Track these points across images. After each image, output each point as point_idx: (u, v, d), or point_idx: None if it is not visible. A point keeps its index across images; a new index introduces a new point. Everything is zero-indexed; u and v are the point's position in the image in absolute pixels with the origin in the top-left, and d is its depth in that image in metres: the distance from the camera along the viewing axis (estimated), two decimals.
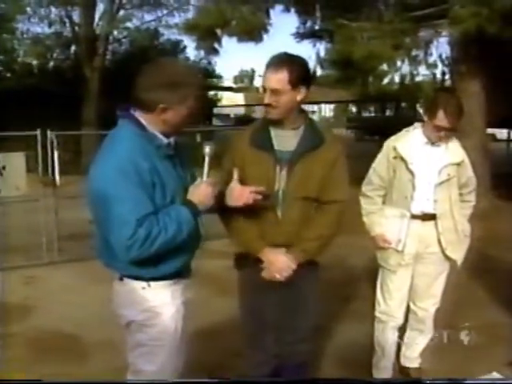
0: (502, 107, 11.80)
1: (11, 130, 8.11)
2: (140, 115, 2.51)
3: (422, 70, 27.27)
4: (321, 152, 2.96)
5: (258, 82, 64.21)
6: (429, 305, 3.95)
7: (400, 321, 3.94)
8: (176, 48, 22.71)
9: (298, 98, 2.90)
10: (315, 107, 49.53)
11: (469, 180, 3.82)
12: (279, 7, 12.37)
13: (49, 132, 7.30)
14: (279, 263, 2.98)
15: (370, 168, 3.90)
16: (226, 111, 43.39)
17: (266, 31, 11.60)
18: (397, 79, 33.09)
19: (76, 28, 18.99)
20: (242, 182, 2.88)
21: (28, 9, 18.69)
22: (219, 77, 31.56)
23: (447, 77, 21.97)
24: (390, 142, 3.80)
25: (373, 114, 42.96)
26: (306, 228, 3.00)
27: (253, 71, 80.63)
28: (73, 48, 20.41)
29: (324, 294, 3.45)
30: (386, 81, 35.39)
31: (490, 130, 12.49)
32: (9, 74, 19.93)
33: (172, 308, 2.62)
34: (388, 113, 37.18)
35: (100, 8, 18.86)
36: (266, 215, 2.98)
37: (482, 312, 5.30)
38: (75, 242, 7.07)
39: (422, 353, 4.12)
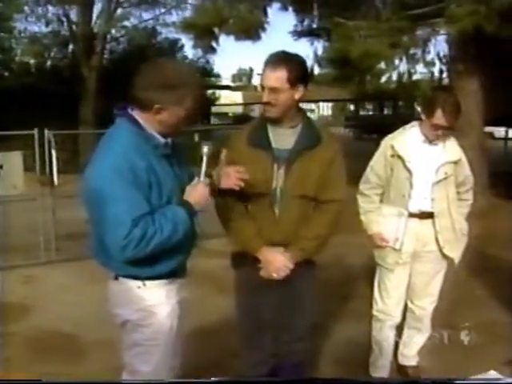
0: (499, 105, 11.80)
1: (9, 128, 8.08)
2: (137, 114, 2.50)
3: (420, 69, 27.40)
4: (318, 150, 2.96)
5: (256, 81, 64.25)
6: (426, 303, 3.95)
7: (397, 319, 3.94)
8: (174, 47, 22.71)
9: (297, 96, 2.91)
10: (313, 106, 49.55)
11: (466, 178, 3.82)
12: (276, 5, 12.36)
13: (46, 131, 7.29)
14: (277, 262, 2.98)
15: (367, 166, 3.90)
16: (224, 110, 43.39)
17: (264, 30, 11.58)
18: (394, 78, 33.04)
19: (73, 27, 18.96)
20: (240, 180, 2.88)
21: (25, 8, 18.67)
22: (217, 75, 31.56)
23: (445, 75, 21.98)
24: (388, 141, 3.80)
25: (371, 113, 42.97)
26: (303, 227, 3.01)
27: (251, 70, 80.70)
28: (70, 47, 20.40)
29: (321, 292, 3.46)
30: (383, 79, 35.33)
31: (487, 129, 12.49)
32: (6, 73, 19.91)
33: (167, 307, 2.62)
34: (386, 111, 37.21)
35: (98, 7, 18.90)
36: (263, 213, 2.98)
37: (480, 311, 5.30)
38: (73, 242, 7.06)
39: (420, 351, 4.13)
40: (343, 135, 30.95)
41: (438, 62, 21.83)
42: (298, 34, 13.52)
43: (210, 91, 28.87)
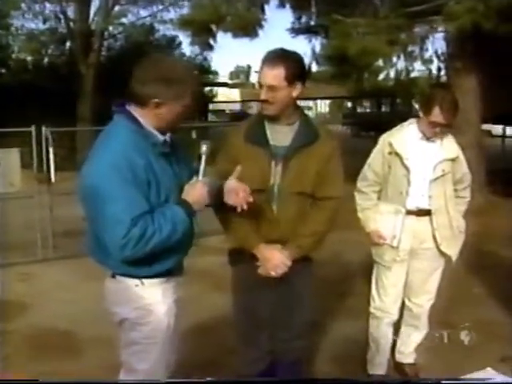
0: (497, 103, 11.80)
1: (6, 126, 8.08)
2: (135, 110, 2.48)
3: (418, 66, 27.35)
4: (316, 147, 2.96)
5: (253, 78, 64.23)
6: (424, 301, 3.95)
7: (395, 317, 3.94)
8: (171, 44, 22.69)
9: (294, 93, 2.90)
10: (311, 103, 49.54)
11: (464, 176, 3.82)
12: (274, 2, 12.35)
13: (43, 128, 7.28)
14: (274, 260, 2.98)
15: (365, 164, 3.89)
16: (221, 107, 43.35)
17: (261, 27, 11.56)
18: (392, 75, 33.06)
19: (71, 24, 18.91)
20: (238, 177, 2.87)
21: (22, 5, 18.62)
22: (215, 73, 31.55)
23: (443, 73, 22.00)
24: (386, 138, 3.80)
25: (368, 110, 42.99)
26: (301, 224, 3.00)
27: (248, 67, 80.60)
28: (68, 44, 20.36)
29: (319, 290, 3.45)
30: (381, 77, 35.31)
31: (485, 126, 12.50)
32: (3, 71, 19.88)
33: (164, 306, 2.60)
34: (383, 109, 37.20)
35: (95, 4, 18.85)
36: (261, 211, 2.98)
37: (477, 308, 5.31)
38: (70, 239, 7.05)
39: (417, 349, 4.13)
40: (341, 132, 30.98)
41: (435, 60, 21.87)
42: (296, 31, 13.52)
43: (207, 88, 28.85)
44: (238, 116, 31.53)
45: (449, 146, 3.73)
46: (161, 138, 2.50)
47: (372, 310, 3.98)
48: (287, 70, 2.82)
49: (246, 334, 3.25)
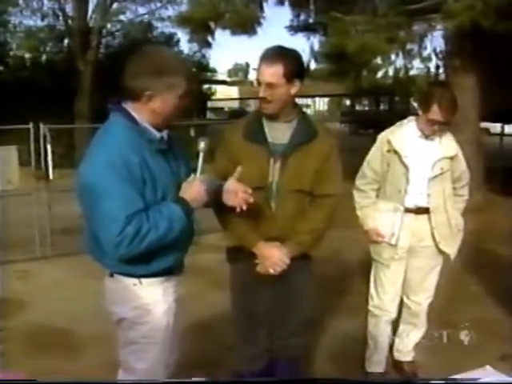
0: (495, 101, 11.81)
1: (3, 123, 8.06)
2: (130, 107, 2.45)
3: (416, 64, 27.28)
4: (314, 145, 2.96)
5: (252, 76, 64.22)
6: (422, 299, 3.95)
7: (393, 315, 3.94)
8: (169, 41, 22.66)
9: (293, 91, 2.90)
10: (309, 101, 49.53)
11: (462, 174, 3.82)
12: (272, 0, 12.35)
13: (41, 125, 7.26)
14: (273, 257, 2.97)
15: (363, 162, 3.89)
16: (220, 105, 43.33)
17: (260, 24, 11.58)
18: (391, 73, 33.05)
19: (69, 21, 18.90)
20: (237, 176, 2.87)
21: (20, 1, 18.60)
22: (213, 70, 31.53)
23: (441, 71, 21.98)
24: (384, 135, 3.79)
25: (367, 108, 43.01)
26: (299, 221, 3.00)
27: (247, 65, 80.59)
28: (66, 41, 20.36)
29: (317, 287, 3.45)
30: (380, 74, 35.31)
31: (483, 124, 12.49)
32: (1, 68, 19.85)
33: (164, 305, 2.59)
34: (382, 106, 37.20)
35: (93, 1, 18.81)
36: (259, 208, 2.97)
37: (475, 306, 5.31)
38: (68, 236, 7.03)
39: (416, 347, 4.13)
40: (339, 130, 30.98)
41: (434, 58, 21.84)
42: (294, 28, 13.52)
43: (205, 86, 28.82)
44: (237, 114, 31.52)
45: (448, 144, 3.73)
46: (157, 134, 2.48)
47: (370, 308, 3.98)
48: (285, 68, 2.81)
49: (245, 331, 3.25)
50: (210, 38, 12.38)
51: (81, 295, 5.37)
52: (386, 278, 3.85)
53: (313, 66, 16.20)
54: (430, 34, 13.16)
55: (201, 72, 25.10)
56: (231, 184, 2.74)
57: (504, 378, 2.06)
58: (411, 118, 3.81)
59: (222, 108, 44.03)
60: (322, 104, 59.37)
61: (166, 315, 2.59)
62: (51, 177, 7.61)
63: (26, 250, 7.15)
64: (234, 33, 11.54)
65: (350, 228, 4.29)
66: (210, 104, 34.54)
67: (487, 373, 2.09)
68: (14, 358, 4.27)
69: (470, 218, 4.03)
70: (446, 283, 4.17)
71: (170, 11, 20.00)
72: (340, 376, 3.99)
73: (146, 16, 21.22)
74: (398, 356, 4.18)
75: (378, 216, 3.79)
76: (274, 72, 2.82)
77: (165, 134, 2.52)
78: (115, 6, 19.55)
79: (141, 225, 2.31)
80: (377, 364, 4.04)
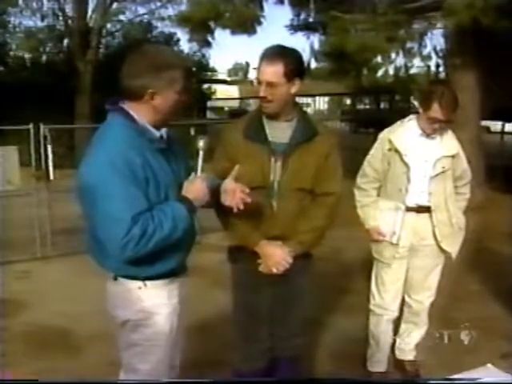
0: (496, 99, 11.80)
1: (4, 123, 8.06)
2: (129, 107, 2.43)
3: (417, 63, 27.39)
4: (315, 143, 2.96)
5: (252, 75, 64.20)
6: (424, 298, 3.94)
7: (395, 314, 3.94)
8: (169, 41, 22.66)
9: (293, 90, 2.90)
10: (309, 100, 49.51)
11: (464, 172, 3.81)
12: None
13: (42, 126, 7.26)
14: (276, 256, 2.97)
15: (364, 160, 3.88)
16: (220, 104, 43.30)
17: (260, 23, 11.55)
18: (391, 71, 33.09)
19: (69, 21, 18.91)
20: (236, 176, 2.86)
21: (20, 2, 18.61)
22: (213, 70, 31.51)
23: (441, 69, 22.00)
24: (385, 134, 3.79)
25: (367, 107, 42.94)
26: (301, 220, 3.00)
27: (247, 64, 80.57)
28: (66, 41, 20.36)
29: (318, 286, 3.45)
30: (380, 73, 35.38)
31: (483, 123, 12.49)
32: (1, 68, 19.86)
33: (168, 308, 2.57)
34: (382, 105, 37.16)
35: (93, 1, 18.81)
36: (261, 207, 2.97)
37: (477, 305, 5.31)
38: (69, 236, 7.04)
39: (417, 345, 4.12)
40: (340, 129, 30.94)
41: (434, 56, 21.88)
42: (294, 27, 13.49)
43: (205, 85, 28.81)
44: (237, 113, 31.50)
45: (449, 143, 3.72)
46: (157, 133, 2.46)
47: (372, 307, 3.97)
48: (286, 67, 2.81)
49: (246, 331, 3.24)
50: (209, 38, 12.36)
51: (81, 295, 5.37)
52: (387, 276, 3.85)
53: (313, 65, 16.22)
54: (430, 33, 13.19)
55: (201, 71, 25.10)
56: (229, 183, 2.72)
57: (506, 376, 2.06)
58: (412, 116, 3.80)
59: (222, 108, 44.01)
60: (322, 103, 59.29)
61: (170, 317, 2.58)
62: (52, 177, 7.61)
63: (26, 250, 7.14)
64: (233, 32, 11.51)
65: (351, 227, 4.28)
66: (209, 103, 34.50)
67: (489, 371, 2.09)
68: (15, 358, 4.27)
69: (471, 216, 4.02)
70: (447, 282, 4.17)
71: (170, 11, 20.04)
72: (341, 375, 3.99)
73: (146, 16, 21.27)
74: (399, 355, 4.18)
75: (379, 215, 3.79)
76: (275, 71, 2.82)
77: (164, 132, 2.50)
78: (115, 5, 19.57)
79: (147, 225, 2.28)
80: (378, 363, 4.04)
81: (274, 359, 3.28)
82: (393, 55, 16.89)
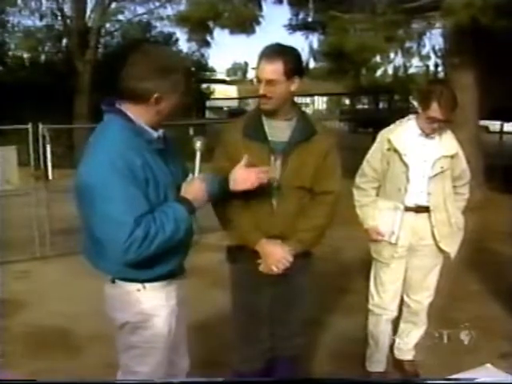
0: (494, 99, 11.81)
1: (2, 123, 8.06)
2: (128, 108, 2.39)
3: (415, 62, 27.40)
4: (314, 143, 2.96)
5: (251, 75, 64.20)
6: (422, 297, 3.94)
7: (393, 313, 3.93)
8: (168, 40, 22.68)
9: (292, 88, 2.91)
10: (308, 100, 49.53)
11: (463, 172, 3.81)
12: None
13: (40, 125, 7.25)
14: (276, 255, 2.97)
15: (363, 160, 3.88)
16: (218, 104, 43.30)
17: (258, 23, 11.56)
18: (390, 71, 33.11)
19: (67, 21, 18.94)
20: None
21: (19, 1, 18.60)
22: (212, 70, 31.52)
23: (440, 69, 22.01)
24: (384, 134, 3.78)
25: (366, 106, 42.94)
26: (301, 219, 3.00)
27: (246, 64, 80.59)
28: (64, 41, 20.40)
29: (317, 286, 3.45)
30: (379, 73, 35.42)
31: (482, 122, 12.49)
32: (0, 68, 19.84)
33: (167, 309, 2.56)
34: (381, 105, 37.17)
35: (92, 0, 18.82)
36: (261, 206, 2.97)
37: (476, 305, 5.31)
38: (67, 236, 7.01)
39: (416, 345, 4.12)
40: (339, 129, 30.95)
41: (433, 56, 21.88)
42: (293, 27, 13.51)
43: (204, 85, 28.83)
44: (236, 113, 31.52)
45: (448, 143, 3.72)
46: (154, 134, 2.44)
47: (370, 306, 3.97)
48: (286, 65, 2.82)
49: (246, 331, 3.23)
50: (208, 38, 12.37)
51: (80, 295, 5.36)
52: (386, 276, 3.85)
53: (312, 64, 16.22)
54: (429, 32, 13.18)
55: (199, 71, 25.12)
56: (241, 170, 2.77)
57: (505, 376, 2.06)
58: (411, 116, 3.79)
59: (221, 107, 44.01)
60: (321, 103, 59.37)
61: (168, 319, 2.57)
62: (50, 177, 7.59)
63: (25, 250, 7.13)
64: (232, 32, 11.52)
65: (350, 226, 4.28)
66: (208, 103, 34.53)
67: (488, 371, 2.09)
68: (14, 358, 4.26)
69: (470, 216, 4.02)
70: (446, 282, 4.16)
71: (169, 10, 20.06)
72: (340, 375, 3.98)
73: (145, 15, 21.28)
74: (398, 355, 4.18)
75: (378, 214, 3.78)
76: (275, 69, 2.82)
77: (161, 133, 2.48)
78: (114, 5, 19.58)
79: (149, 227, 2.25)
80: (377, 363, 4.04)
81: (273, 359, 3.28)
82: (392, 55, 16.92)
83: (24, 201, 7.66)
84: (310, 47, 14.63)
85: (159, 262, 2.45)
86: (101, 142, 2.37)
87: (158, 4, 20.41)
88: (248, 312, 3.19)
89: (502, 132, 17.80)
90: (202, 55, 24.82)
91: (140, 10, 20.78)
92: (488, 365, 2.13)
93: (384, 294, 3.88)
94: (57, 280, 6.23)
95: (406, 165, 3.64)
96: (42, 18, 19.65)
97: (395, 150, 3.67)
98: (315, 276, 3.29)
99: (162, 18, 20.88)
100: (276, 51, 2.86)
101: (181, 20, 12.26)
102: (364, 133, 26.17)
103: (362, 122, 32.35)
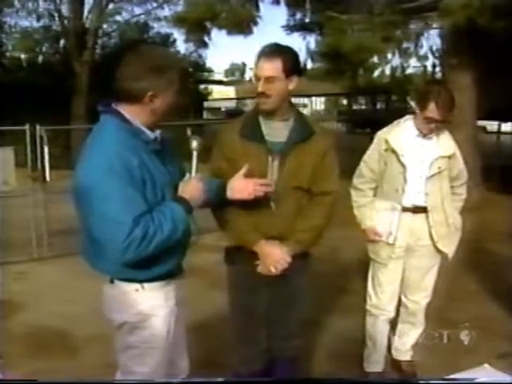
0: (492, 99, 11.80)
1: (0, 124, 8.05)
2: (124, 108, 2.40)
3: (413, 63, 27.40)
4: (311, 143, 2.96)
5: (248, 75, 64.18)
6: (420, 298, 3.94)
7: (391, 314, 3.93)
8: (166, 41, 22.67)
9: (291, 86, 2.92)
10: (306, 100, 49.53)
11: (460, 173, 3.81)
12: None
13: (38, 127, 7.24)
14: (275, 255, 2.97)
15: (361, 161, 3.88)
16: (216, 105, 43.29)
17: (256, 24, 11.56)
18: (387, 72, 33.12)
19: (65, 22, 18.93)
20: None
21: (16, 2, 18.58)
22: (209, 70, 31.51)
23: (438, 69, 22.03)
24: (382, 134, 3.78)
25: (364, 107, 42.97)
26: (299, 219, 3.01)
27: (243, 64, 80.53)
28: (62, 42, 20.37)
29: (315, 286, 3.44)
30: (376, 73, 35.42)
31: (480, 123, 12.50)
32: None
33: (165, 309, 2.56)
34: (379, 105, 37.20)
35: (89, 1, 18.85)
36: (259, 207, 2.97)
37: (474, 305, 5.31)
38: (65, 237, 7.00)
39: (414, 346, 4.12)
40: (336, 129, 30.96)
41: (430, 56, 21.91)
42: (291, 28, 13.52)
43: (202, 86, 28.82)
44: (234, 113, 31.52)
45: (445, 143, 3.72)
46: (151, 134, 2.44)
47: (368, 307, 3.97)
48: (284, 63, 2.83)
49: (244, 333, 3.23)
50: (206, 38, 12.37)
51: (78, 296, 5.36)
52: (383, 277, 3.85)
53: (309, 65, 16.23)
54: (427, 33, 13.23)
55: (197, 72, 25.11)
56: (240, 179, 2.80)
57: (503, 376, 2.06)
58: (409, 116, 3.80)
59: (219, 108, 44.00)
60: (318, 103, 59.30)
61: (167, 319, 2.57)
62: (48, 178, 7.58)
63: (22, 251, 7.13)
64: (230, 33, 11.52)
65: (348, 227, 4.27)
66: (206, 104, 34.53)
67: (486, 371, 2.09)
68: (12, 359, 4.25)
69: (467, 216, 4.02)
70: (443, 282, 4.16)
71: (166, 11, 20.06)
72: (338, 375, 3.98)
73: (142, 16, 21.32)
74: (396, 355, 4.18)
75: (376, 215, 3.79)
76: (274, 67, 2.83)
77: (158, 133, 2.48)
78: (111, 6, 19.60)
79: (148, 227, 2.26)
80: (375, 363, 4.04)
81: (272, 360, 3.28)
82: (389, 55, 16.93)
83: (21, 202, 7.64)
84: (308, 48, 14.67)
85: (157, 262, 2.45)
86: (98, 142, 2.37)
87: (155, 5, 20.48)
88: (246, 313, 3.18)
89: (499, 132, 17.76)
90: (200, 56, 24.83)
91: (137, 10, 20.86)
92: (486, 365, 2.13)
93: (382, 295, 3.88)
94: (55, 281, 6.22)
95: (403, 165, 3.64)
96: (39, 18, 19.68)
97: (393, 151, 3.67)
98: (313, 276, 3.29)
99: (159, 19, 20.96)
100: (275, 50, 2.87)
101: (178, 21, 12.26)
102: (362, 133, 26.18)
103: (359, 122, 32.37)
